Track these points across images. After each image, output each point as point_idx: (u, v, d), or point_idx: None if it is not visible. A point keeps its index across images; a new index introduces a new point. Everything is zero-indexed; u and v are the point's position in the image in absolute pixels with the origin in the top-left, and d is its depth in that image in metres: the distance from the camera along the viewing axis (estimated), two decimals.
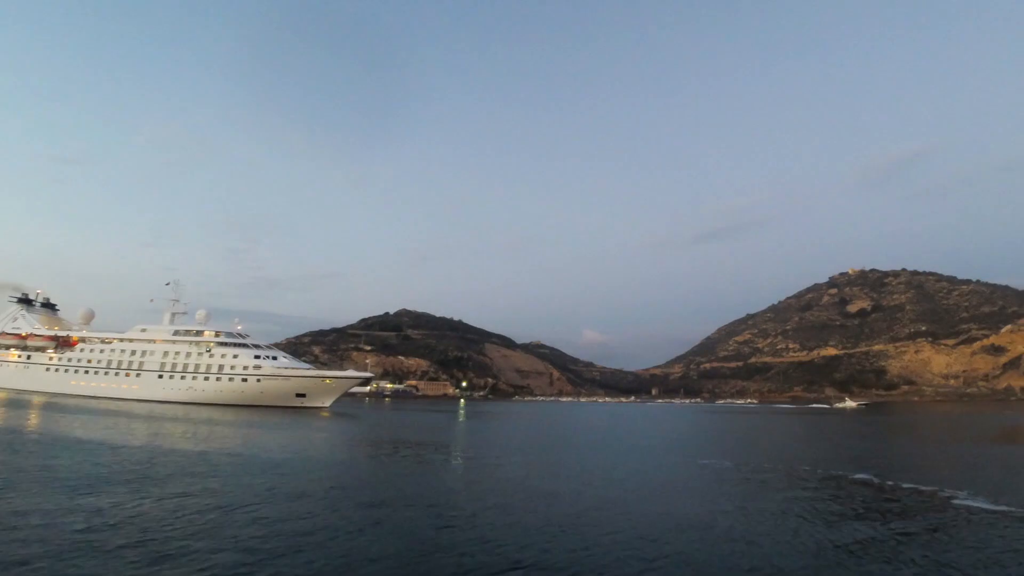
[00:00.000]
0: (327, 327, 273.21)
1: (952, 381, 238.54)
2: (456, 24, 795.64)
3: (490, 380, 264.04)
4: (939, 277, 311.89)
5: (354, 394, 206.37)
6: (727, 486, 21.48)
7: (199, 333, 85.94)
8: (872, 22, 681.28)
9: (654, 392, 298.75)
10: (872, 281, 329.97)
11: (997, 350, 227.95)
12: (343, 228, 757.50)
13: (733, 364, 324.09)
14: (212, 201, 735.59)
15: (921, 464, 28.97)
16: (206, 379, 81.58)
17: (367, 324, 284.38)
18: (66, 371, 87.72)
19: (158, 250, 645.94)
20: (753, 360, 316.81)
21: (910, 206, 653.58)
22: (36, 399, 69.76)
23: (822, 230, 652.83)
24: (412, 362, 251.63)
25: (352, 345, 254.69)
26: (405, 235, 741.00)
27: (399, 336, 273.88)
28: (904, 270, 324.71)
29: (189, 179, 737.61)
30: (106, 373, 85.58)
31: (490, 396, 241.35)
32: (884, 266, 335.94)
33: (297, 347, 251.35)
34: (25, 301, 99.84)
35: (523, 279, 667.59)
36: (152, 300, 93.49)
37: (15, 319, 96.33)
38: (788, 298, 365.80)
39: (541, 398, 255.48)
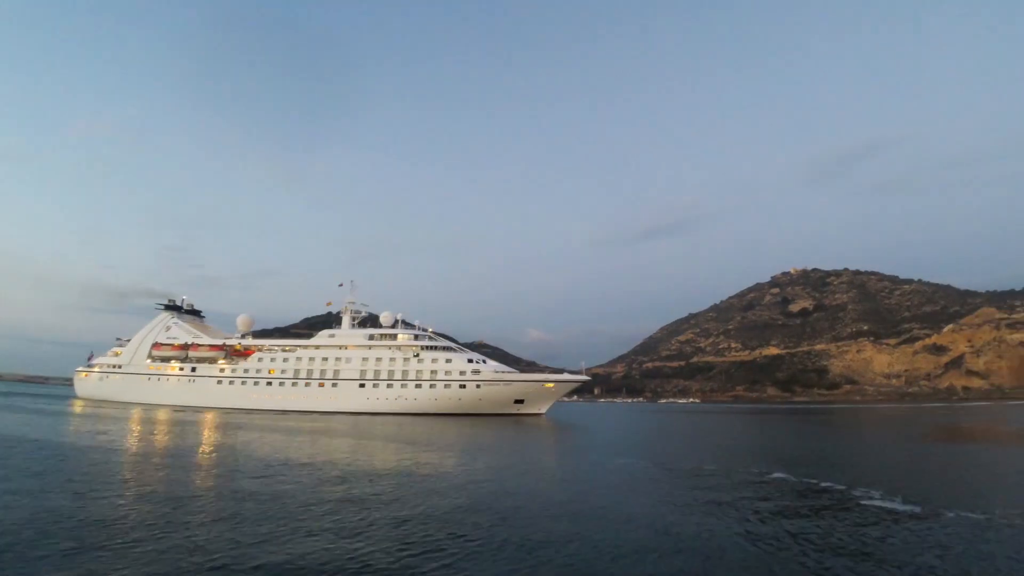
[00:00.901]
0: (270, 326, 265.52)
1: (894, 380, 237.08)
2: (394, 25, 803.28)
3: None
4: (881, 277, 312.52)
5: None
6: (631, 483, 20.03)
7: (393, 337, 77.66)
8: (818, 16, 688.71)
9: (596, 391, 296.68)
10: (814, 281, 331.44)
11: (939, 349, 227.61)
12: (282, 225, 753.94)
13: (675, 364, 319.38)
14: (148, 199, 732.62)
15: (842, 463, 27.73)
16: (418, 387, 73.09)
17: (310, 323, 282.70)
18: (243, 383, 78.57)
19: (96, 248, 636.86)
20: (695, 360, 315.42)
21: (853, 204, 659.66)
22: (210, 416, 60.90)
23: (765, 228, 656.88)
24: None
25: None
26: (345, 233, 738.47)
27: None
28: (846, 270, 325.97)
29: (124, 176, 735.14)
30: (294, 384, 76.65)
31: None
32: (826, 266, 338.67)
33: None
34: (174, 308, 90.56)
35: (466, 278, 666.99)
36: (329, 303, 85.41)
37: (168, 328, 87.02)
38: (730, 298, 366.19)
39: None
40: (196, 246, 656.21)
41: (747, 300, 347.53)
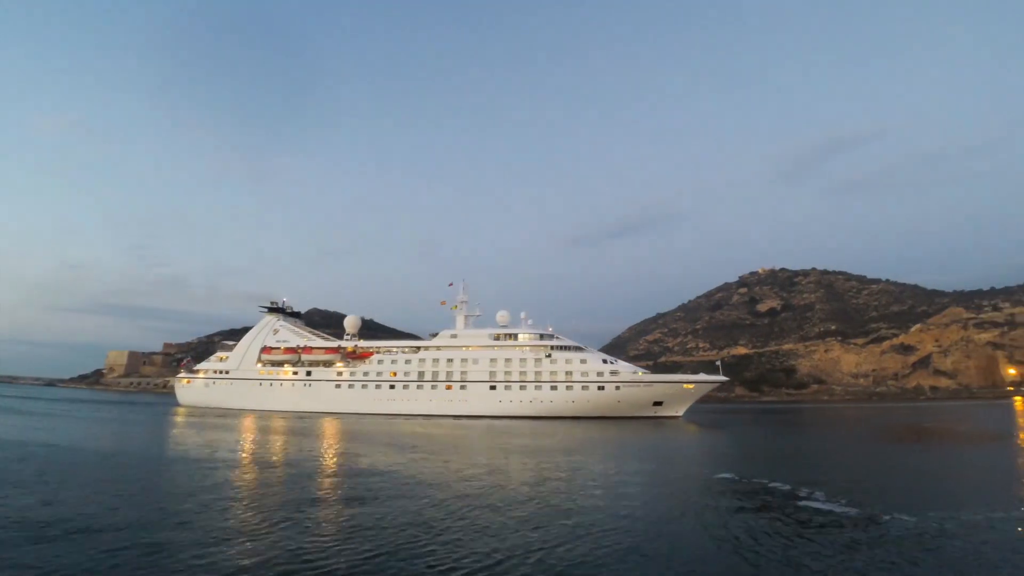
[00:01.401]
0: (238, 326, 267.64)
1: (862, 380, 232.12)
2: (364, 21, 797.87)
3: None
4: (848, 276, 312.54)
5: None
6: (564, 483, 20.34)
7: (515, 337, 75.04)
8: (790, 10, 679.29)
9: None
10: (782, 280, 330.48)
11: (906, 349, 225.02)
12: (249, 224, 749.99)
13: (643, 363, 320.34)
14: (114, 197, 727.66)
15: (793, 464, 27.75)
16: (553, 388, 70.38)
17: None
18: (364, 387, 76.29)
19: (61, 248, 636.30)
20: (663, 359, 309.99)
21: (823, 202, 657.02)
22: (337, 421, 58.57)
23: (734, 227, 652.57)
24: None
25: None
26: (312, 232, 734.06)
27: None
28: (814, 269, 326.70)
29: (89, 174, 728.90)
30: (419, 387, 74.24)
31: None
32: (794, 265, 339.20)
33: (208, 346, 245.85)
34: (278, 310, 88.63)
35: (433, 276, 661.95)
36: (444, 303, 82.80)
37: (275, 331, 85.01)
38: (698, 297, 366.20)
39: None
40: (161, 245, 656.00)
41: (715, 300, 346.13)
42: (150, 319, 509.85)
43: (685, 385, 71.82)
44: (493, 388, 71.71)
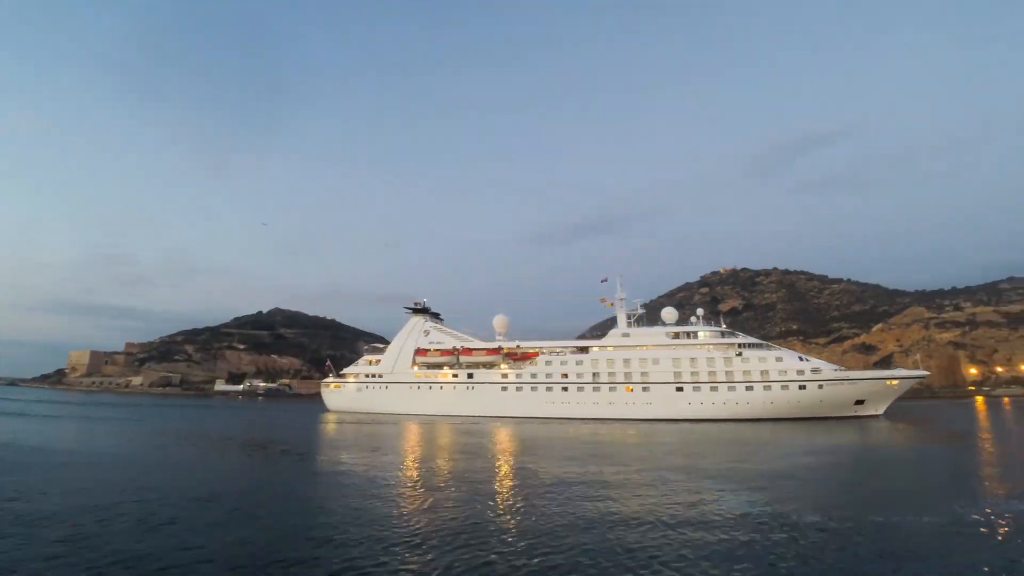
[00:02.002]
0: (200, 326, 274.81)
1: None
2: (332, 19, 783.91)
3: None
4: (810, 276, 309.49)
5: (227, 393, 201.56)
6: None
7: (693, 335, 70.46)
8: (760, 7, 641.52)
9: None
10: (743, 280, 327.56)
11: (868, 349, 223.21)
12: (212, 223, 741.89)
13: None
14: (76, 195, 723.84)
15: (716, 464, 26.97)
16: (748, 389, 65.75)
17: (240, 323, 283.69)
18: (533, 389, 73.36)
19: (23, 246, 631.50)
20: None
21: (786, 202, 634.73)
22: (510, 426, 55.22)
23: (696, 226, 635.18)
24: (285, 361, 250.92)
25: (226, 344, 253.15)
26: (275, 230, 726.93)
27: (272, 335, 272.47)
28: (775, 269, 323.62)
29: (51, 172, 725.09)
30: (595, 389, 70.77)
31: None
32: (755, 265, 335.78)
33: (171, 346, 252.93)
34: (423, 311, 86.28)
35: (397, 277, 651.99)
36: (605, 301, 78.87)
37: (426, 332, 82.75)
38: (660, 297, 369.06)
39: None
40: (123, 243, 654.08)
41: (677, 300, 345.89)
42: (112, 318, 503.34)
43: (889, 382, 66.22)
44: (680, 389, 67.57)
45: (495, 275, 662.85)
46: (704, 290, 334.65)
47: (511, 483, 21.71)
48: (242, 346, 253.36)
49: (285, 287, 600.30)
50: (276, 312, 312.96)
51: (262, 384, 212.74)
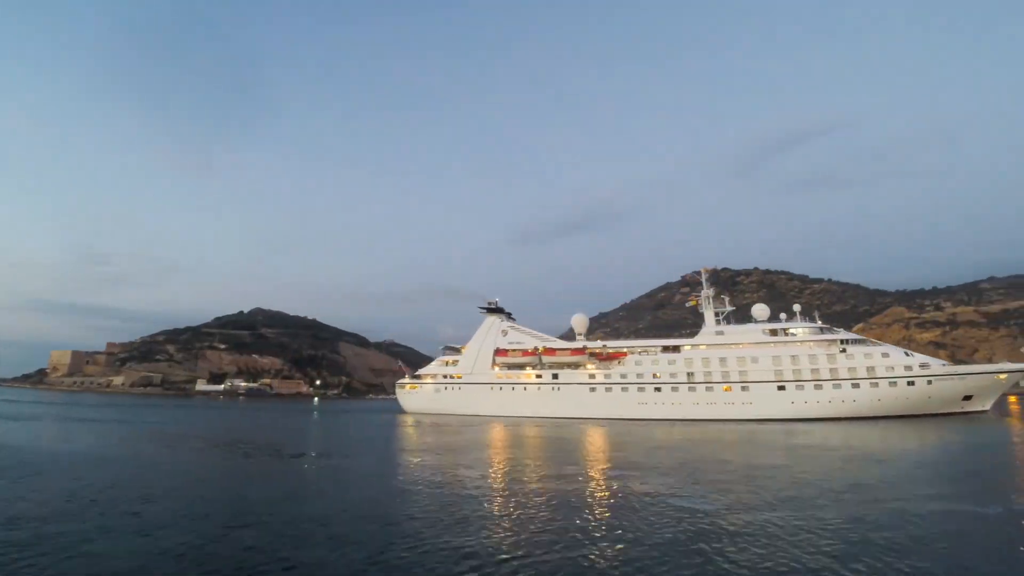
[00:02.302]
0: (181, 325, 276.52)
1: None
2: (309, 18, 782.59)
3: (344, 379, 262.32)
4: (791, 276, 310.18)
5: (208, 392, 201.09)
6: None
7: (790, 332, 68.87)
8: (739, 4, 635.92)
9: None
10: (724, 280, 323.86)
11: None
12: (192, 222, 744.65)
13: None
14: (55, 195, 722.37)
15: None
16: (854, 386, 64.12)
17: (221, 323, 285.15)
18: (624, 390, 71.89)
19: (2, 245, 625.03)
20: None
21: (769, 201, 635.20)
22: (585, 428, 53.60)
23: (678, 226, 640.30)
24: (266, 361, 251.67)
25: (206, 344, 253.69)
26: (254, 231, 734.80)
27: (253, 335, 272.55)
28: (756, 269, 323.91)
29: (30, 171, 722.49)
30: (691, 389, 69.22)
31: (344, 395, 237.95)
32: (736, 265, 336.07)
33: (152, 346, 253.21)
34: (498, 311, 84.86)
35: (376, 276, 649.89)
36: (695, 302, 77.39)
37: (504, 332, 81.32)
38: (641, 297, 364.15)
39: (395, 396, 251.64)
40: (103, 242, 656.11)
41: (657, 300, 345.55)
42: (93, 318, 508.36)
43: (998, 376, 64.55)
44: (781, 388, 66.01)
45: (477, 273, 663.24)
46: (685, 289, 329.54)
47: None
48: (223, 346, 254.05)
49: (266, 286, 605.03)
50: (257, 312, 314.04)
51: (243, 384, 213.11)
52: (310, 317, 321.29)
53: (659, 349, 72.67)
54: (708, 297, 75.24)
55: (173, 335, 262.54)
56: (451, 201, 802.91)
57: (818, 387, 64.97)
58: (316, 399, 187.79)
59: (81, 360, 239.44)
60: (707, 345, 70.44)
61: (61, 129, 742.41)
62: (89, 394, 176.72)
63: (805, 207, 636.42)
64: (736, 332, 70.39)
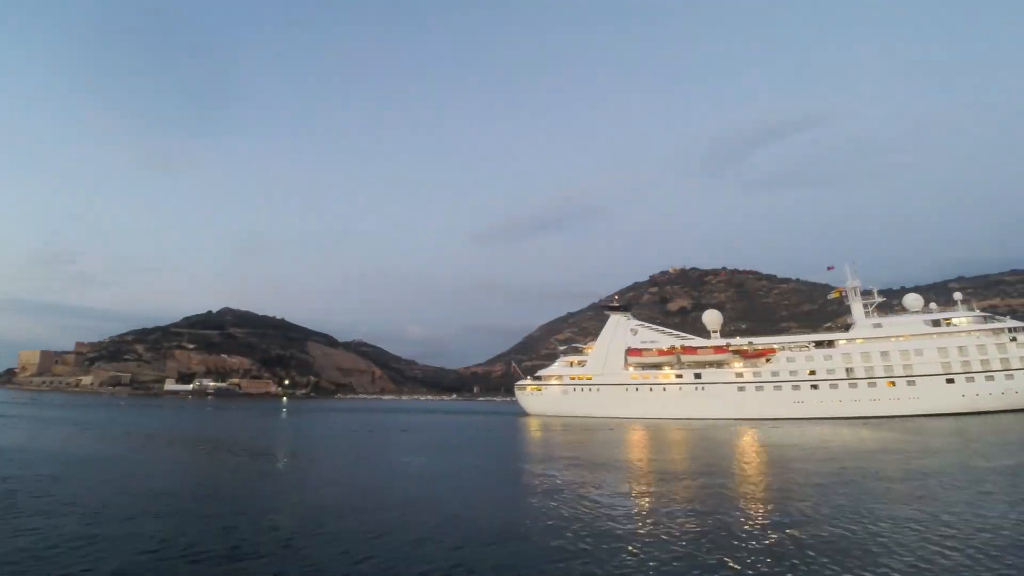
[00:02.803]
0: (149, 325, 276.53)
1: None
2: (279, 16, 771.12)
3: (312, 378, 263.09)
4: (759, 276, 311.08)
5: (176, 392, 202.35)
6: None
7: (949, 322, 67.09)
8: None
9: (476, 390, 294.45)
10: (692, 280, 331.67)
11: None
12: (159, 221, 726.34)
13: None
14: (20, 192, 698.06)
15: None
16: None
17: (190, 322, 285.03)
18: (776, 388, 69.49)
19: None
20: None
21: (741, 198, 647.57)
22: (737, 429, 51.54)
23: (647, 225, 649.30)
24: (235, 360, 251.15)
25: (175, 343, 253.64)
26: (221, 230, 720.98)
27: (222, 335, 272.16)
28: (724, 269, 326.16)
29: None
30: (852, 385, 67.08)
31: (312, 394, 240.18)
32: (705, 264, 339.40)
33: (121, 346, 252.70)
34: (622, 309, 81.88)
35: (344, 275, 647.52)
36: (839, 293, 75.11)
37: (634, 331, 78.35)
38: (609, 296, 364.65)
39: (363, 396, 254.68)
40: (69, 241, 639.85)
41: (626, 299, 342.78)
42: (62, 317, 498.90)
43: None
44: (951, 381, 64.26)
45: (445, 272, 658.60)
46: (653, 289, 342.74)
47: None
48: (192, 346, 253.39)
49: (235, 285, 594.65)
50: (226, 312, 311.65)
51: (212, 384, 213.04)
52: (279, 317, 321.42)
53: (811, 344, 70.44)
54: (855, 289, 73.03)
55: (142, 335, 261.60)
56: (420, 199, 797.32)
57: (989, 378, 63.36)
58: (285, 399, 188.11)
59: (50, 360, 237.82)
60: (863, 339, 68.38)
61: (23, 124, 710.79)
62: (58, 394, 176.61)
63: (775, 205, 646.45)
64: (896, 324, 68.43)
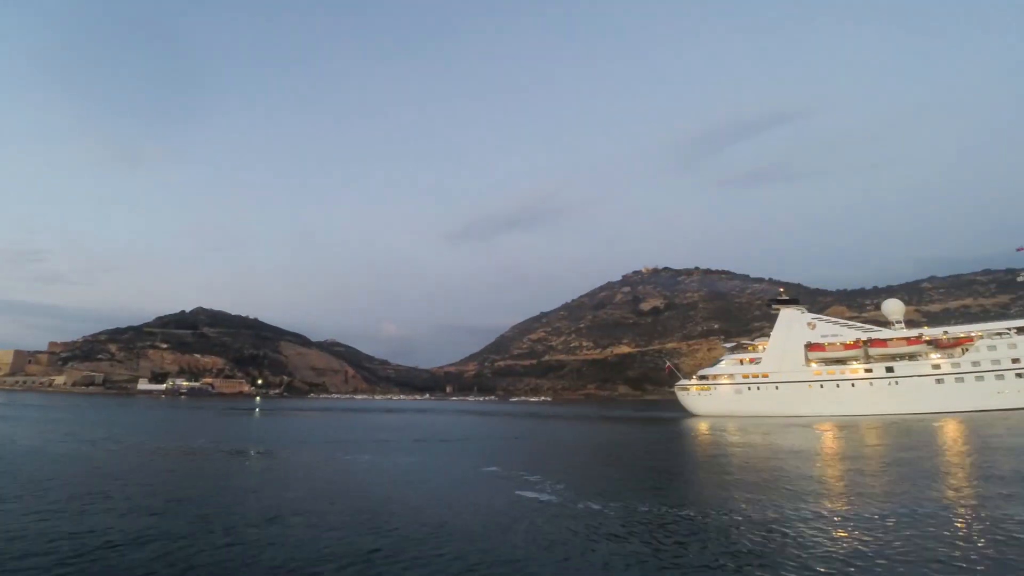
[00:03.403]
0: (123, 325, 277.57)
1: None
2: (245, 14, 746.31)
3: (285, 378, 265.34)
4: (731, 275, 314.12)
5: (149, 392, 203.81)
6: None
7: None
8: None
9: (448, 390, 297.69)
10: (665, 280, 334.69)
11: None
12: (130, 219, 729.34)
13: (527, 362, 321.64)
14: None
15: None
16: None
17: (163, 322, 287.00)
18: (979, 379, 67.91)
19: None
20: (547, 358, 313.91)
21: (715, 196, 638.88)
22: (936, 425, 50.01)
23: (620, 223, 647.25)
24: (208, 360, 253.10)
25: (148, 343, 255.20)
26: (193, 227, 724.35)
27: (195, 334, 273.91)
28: (697, 269, 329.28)
29: None
30: None
31: (285, 394, 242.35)
32: (677, 264, 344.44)
33: (94, 345, 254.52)
34: (794, 302, 79.69)
35: (317, 274, 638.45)
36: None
37: (811, 326, 76.28)
38: (581, 296, 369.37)
39: (336, 396, 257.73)
40: (35, 239, 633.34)
41: (598, 299, 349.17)
42: (34, 317, 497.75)
43: None
44: None
45: (417, 271, 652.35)
46: (626, 289, 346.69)
47: None
48: (165, 345, 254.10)
49: (207, 284, 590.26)
50: (199, 311, 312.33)
51: (184, 383, 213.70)
52: (252, 317, 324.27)
53: (1012, 331, 68.58)
54: None
55: (115, 334, 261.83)
56: (393, 197, 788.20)
57: None
58: (258, 398, 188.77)
59: (23, 359, 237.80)
60: None
61: None
62: (31, 393, 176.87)
63: (746, 204, 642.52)
64: None
